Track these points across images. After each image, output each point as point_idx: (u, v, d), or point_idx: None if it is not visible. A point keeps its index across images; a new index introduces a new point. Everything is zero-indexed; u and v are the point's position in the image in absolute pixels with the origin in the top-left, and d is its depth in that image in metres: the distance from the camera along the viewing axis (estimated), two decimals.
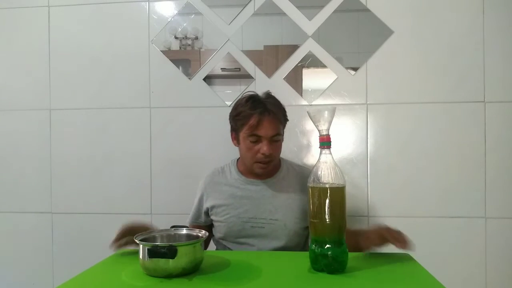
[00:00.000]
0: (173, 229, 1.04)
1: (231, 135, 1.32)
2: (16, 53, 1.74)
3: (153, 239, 1.01)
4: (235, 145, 1.31)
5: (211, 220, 1.33)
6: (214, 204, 1.30)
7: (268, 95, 1.28)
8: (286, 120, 1.29)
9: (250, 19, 1.64)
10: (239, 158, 1.35)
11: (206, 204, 1.32)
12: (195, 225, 1.36)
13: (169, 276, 0.89)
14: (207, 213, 1.33)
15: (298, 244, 1.28)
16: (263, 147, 1.20)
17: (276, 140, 1.23)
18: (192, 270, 0.92)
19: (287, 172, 1.33)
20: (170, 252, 0.85)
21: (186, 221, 1.38)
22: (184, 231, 1.04)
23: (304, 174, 1.31)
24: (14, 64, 1.74)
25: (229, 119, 1.30)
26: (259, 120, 1.20)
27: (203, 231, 1.01)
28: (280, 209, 1.26)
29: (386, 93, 1.59)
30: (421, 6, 1.58)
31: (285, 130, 1.31)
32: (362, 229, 1.26)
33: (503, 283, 1.55)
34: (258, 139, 1.21)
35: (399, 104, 1.59)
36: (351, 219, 1.57)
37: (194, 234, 1.02)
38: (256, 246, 1.25)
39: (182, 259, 0.88)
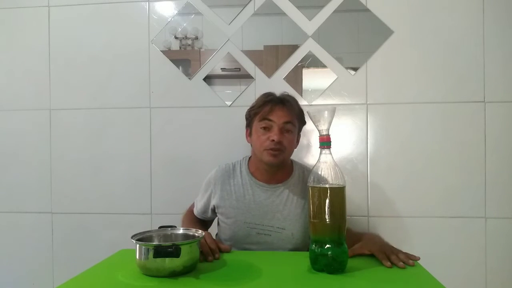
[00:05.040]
0: (169, 229, 1.05)
1: (246, 132, 1.31)
2: (16, 53, 1.74)
3: (150, 239, 1.01)
4: (249, 142, 1.30)
5: (217, 216, 1.33)
6: (221, 203, 1.28)
7: (286, 94, 1.29)
8: (302, 120, 1.28)
9: (250, 19, 1.64)
10: (250, 157, 1.33)
11: (213, 202, 1.30)
12: (200, 219, 1.37)
13: (172, 274, 0.89)
14: (213, 210, 1.32)
15: (302, 251, 1.27)
16: (273, 134, 1.18)
17: (287, 129, 1.21)
18: (191, 268, 0.94)
19: (298, 178, 1.30)
20: (176, 251, 0.86)
21: (194, 210, 1.38)
22: (181, 230, 1.05)
23: None
24: (14, 64, 1.74)
25: (245, 116, 1.31)
26: (271, 107, 1.21)
27: (200, 231, 1.02)
28: (289, 218, 1.24)
29: (386, 93, 1.59)
30: (421, 6, 1.58)
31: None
32: (364, 232, 1.25)
33: (503, 283, 1.55)
34: (269, 126, 1.21)
35: (399, 104, 1.59)
36: (351, 219, 1.57)
37: (191, 233, 1.03)
38: None
39: (184, 257, 0.89)
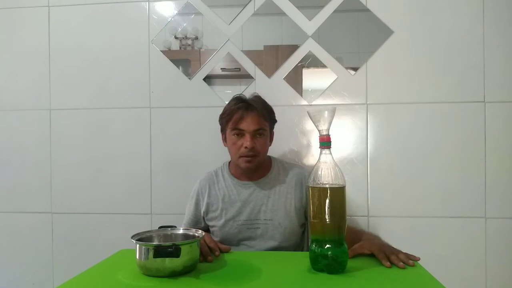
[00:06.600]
0: (169, 229, 1.05)
1: (221, 136, 1.34)
2: (16, 53, 1.73)
3: (150, 239, 1.01)
4: (225, 145, 1.33)
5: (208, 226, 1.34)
6: (210, 208, 1.32)
7: (255, 96, 1.32)
8: (273, 119, 1.32)
9: (250, 19, 1.64)
10: (230, 161, 1.36)
11: (203, 209, 1.33)
12: None
13: (172, 274, 0.89)
14: (204, 218, 1.34)
15: (295, 242, 1.29)
16: (246, 141, 1.22)
17: (259, 134, 1.25)
18: (192, 268, 0.94)
19: (278, 171, 1.34)
20: (176, 251, 0.86)
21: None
22: (181, 230, 1.05)
23: (295, 171, 1.33)
24: (14, 64, 1.74)
25: (218, 121, 1.33)
26: (241, 115, 1.24)
27: (200, 231, 1.02)
28: (274, 208, 1.27)
29: (386, 93, 1.59)
30: (421, 6, 1.58)
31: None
32: (364, 231, 1.26)
33: (503, 283, 1.55)
34: (241, 133, 1.25)
35: (399, 104, 1.59)
36: (351, 219, 1.57)
37: (191, 233, 1.03)
38: (253, 248, 1.26)
39: (184, 257, 0.89)
